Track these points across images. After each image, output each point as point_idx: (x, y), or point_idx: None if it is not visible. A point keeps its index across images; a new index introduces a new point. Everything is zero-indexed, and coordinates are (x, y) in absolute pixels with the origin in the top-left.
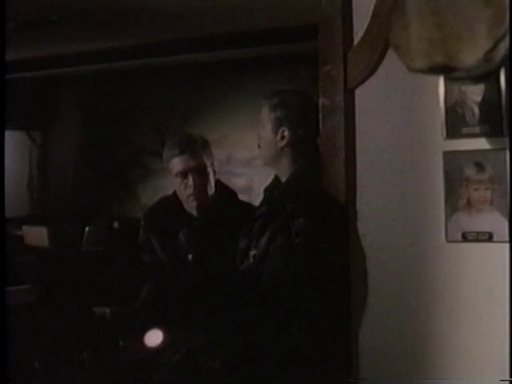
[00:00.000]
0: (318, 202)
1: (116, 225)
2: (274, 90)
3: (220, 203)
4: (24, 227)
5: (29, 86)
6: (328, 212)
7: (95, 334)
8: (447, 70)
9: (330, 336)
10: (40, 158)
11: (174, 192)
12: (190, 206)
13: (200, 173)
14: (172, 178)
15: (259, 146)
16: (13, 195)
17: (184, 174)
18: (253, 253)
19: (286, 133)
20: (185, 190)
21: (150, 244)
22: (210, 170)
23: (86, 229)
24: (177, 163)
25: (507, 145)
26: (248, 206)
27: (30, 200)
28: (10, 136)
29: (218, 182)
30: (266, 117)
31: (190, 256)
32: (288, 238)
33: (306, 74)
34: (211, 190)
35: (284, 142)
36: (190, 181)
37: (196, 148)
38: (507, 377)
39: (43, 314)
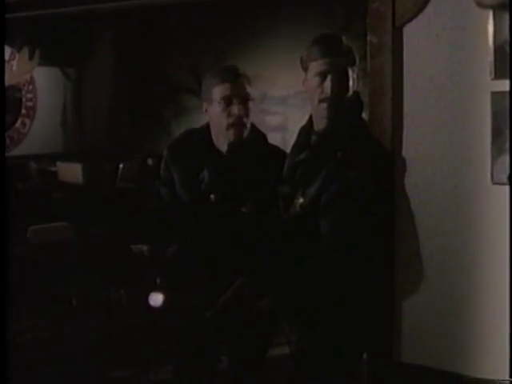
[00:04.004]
0: (366, 147)
1: (150, 162)
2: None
3: (251, 144)
4: (58, 163)
5: (63, 22)
6: (377, 156)
7: (132, 272)
8: None
9: (376, 279)
10: (74, 95)
11: (205, 125)
12: (225, 138)
13: (244, 102)
14: (210, 108)
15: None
16: (47, 131)
17: (229, 101)
18: (300, 201)
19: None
20: (227, 118)
21: (171, 179)
22: (250, 104)
23: (120, 165)
24: (225, 88)
25: None
26: (277, 149)
27: (64, 136)
28: (45, 72)
29: (251, 124)
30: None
31: (212, 196)
32: (342, 186)
33: (343, 13)
34: (248, 126)
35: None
36: (235, 108)
37: (243, 78)
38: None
39: (80, 251)
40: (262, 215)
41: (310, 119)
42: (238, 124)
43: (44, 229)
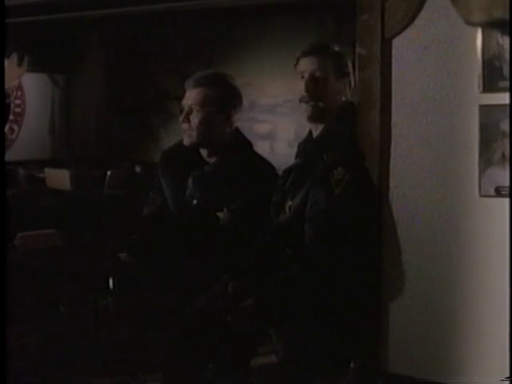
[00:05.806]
0: (353, 152)
1: (138, 169)
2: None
3: (235, 152)
4: (46, 169)
5: (52, 28)
6: (363, 161)
7: (120, 280)
8: (506, 25)
9: (362, 288)
10: (62, 101)
11: None
12: None
13: (190, 111)
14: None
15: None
16: (35, 137)
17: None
18: (289, 204)
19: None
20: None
21: (160, 185)
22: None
23: (108, 172)
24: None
25: None
26: (261, 159)
27: (52, 143)
28: (33, 78)
29: (236, 130)
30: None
31: (194, 201)
32: (327, 189)
33: (332, 23)
34: (195, 134)
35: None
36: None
37: (201, 86)
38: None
39: (67, 258)
40: (248, 220)
41: (310, 132)
42: (185, 131)
43: (32, 235)
